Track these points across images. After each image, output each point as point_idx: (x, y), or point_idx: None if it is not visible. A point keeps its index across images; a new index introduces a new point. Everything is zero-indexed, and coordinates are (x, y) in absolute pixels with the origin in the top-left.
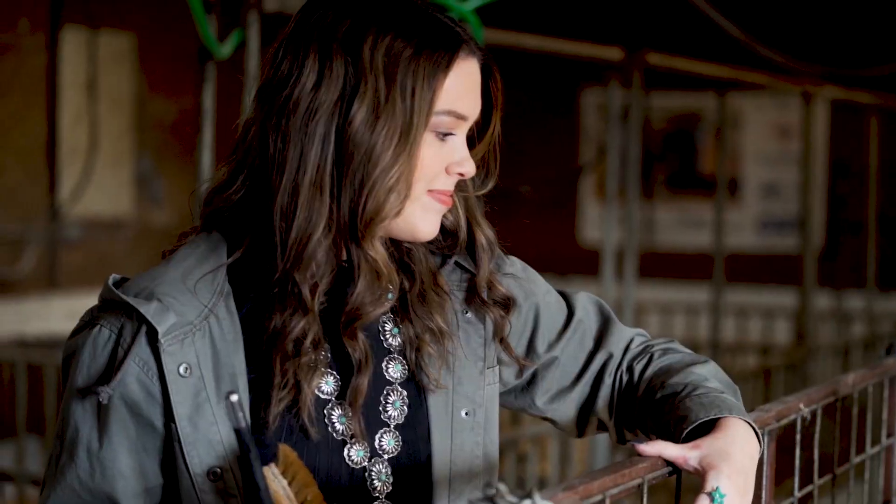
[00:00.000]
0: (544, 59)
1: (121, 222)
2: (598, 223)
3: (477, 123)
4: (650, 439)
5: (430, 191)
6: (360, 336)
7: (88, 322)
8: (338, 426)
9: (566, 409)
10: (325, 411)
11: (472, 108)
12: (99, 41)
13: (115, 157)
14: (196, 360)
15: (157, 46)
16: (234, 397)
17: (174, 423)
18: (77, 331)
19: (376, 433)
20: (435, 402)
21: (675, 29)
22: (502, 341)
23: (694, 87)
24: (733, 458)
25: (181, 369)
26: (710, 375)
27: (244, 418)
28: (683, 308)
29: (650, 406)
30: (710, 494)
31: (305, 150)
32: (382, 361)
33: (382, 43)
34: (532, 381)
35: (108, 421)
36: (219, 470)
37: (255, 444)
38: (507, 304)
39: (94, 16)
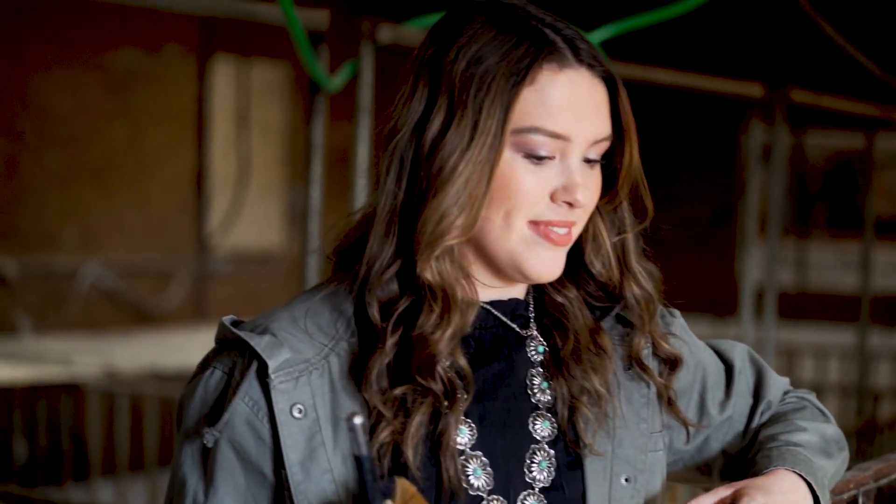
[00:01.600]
0: (707, 98)
1: (271, 256)
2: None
3: (621, 153)
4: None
5: (532, 222)
6: (439, 371)
7: (202, 366)
8: (472, 481)
9: (739, 467)
10: (460, 463)
11: (574, 126)
12: (251, 71)
13: (265, 188)
14: (312, 402)
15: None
16: (358, 419)
17: (284, 469)
18: (191, 378)
19: (518, 495)
20: (592, 467)
21: (822, 66)
22: (670, 403)
23: (845, 126)
24: (772, 496)
25: (295, 410)
26: (812, 429)
27: (367, 445)
28: (839, 352)
29: (743, 453)
30: None
31: (386, 177)
32: (528, 417)
33: (464, 57)
34: (705, 446)
35: (214, 469)
36: None
37: (377, 476)
38: (674, 362)
39: (247, 45)
